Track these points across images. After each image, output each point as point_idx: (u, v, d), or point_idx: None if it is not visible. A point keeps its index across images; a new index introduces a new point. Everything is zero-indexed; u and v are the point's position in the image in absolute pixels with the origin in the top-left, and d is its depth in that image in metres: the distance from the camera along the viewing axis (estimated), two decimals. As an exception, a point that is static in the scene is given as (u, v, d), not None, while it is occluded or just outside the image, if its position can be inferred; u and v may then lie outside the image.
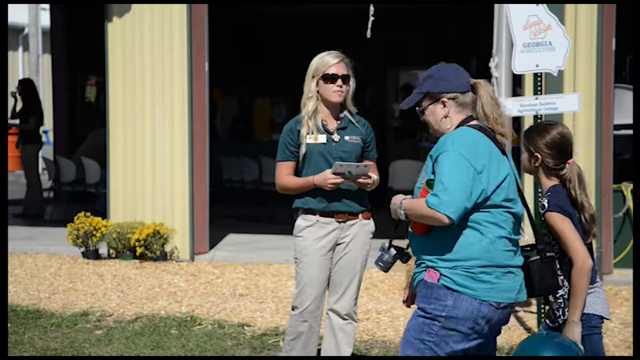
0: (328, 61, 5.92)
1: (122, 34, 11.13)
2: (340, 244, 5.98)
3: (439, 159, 4.21)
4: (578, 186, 4.69)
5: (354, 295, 6.05)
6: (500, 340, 7.54)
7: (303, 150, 5.91)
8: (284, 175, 5.97)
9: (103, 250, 11.00)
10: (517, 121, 9.97)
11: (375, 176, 5.92)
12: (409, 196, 4.45)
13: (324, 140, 5.90)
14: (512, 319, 8.19)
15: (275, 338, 7.60)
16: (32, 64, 25.65)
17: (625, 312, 8.48)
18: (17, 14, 25.22)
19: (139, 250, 10.62)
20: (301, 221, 5.97)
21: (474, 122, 4.34)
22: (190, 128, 10.91)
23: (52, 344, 7.42)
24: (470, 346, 4.21)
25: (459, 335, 4.17)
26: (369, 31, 9.81)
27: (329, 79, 5.89)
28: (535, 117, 7.42)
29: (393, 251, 4.64)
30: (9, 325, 7.79)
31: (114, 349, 7.30)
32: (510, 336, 7.64)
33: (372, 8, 9.85)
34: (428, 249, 4.28)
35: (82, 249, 10.90)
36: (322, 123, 5.94)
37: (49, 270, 10.33)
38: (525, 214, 4.48)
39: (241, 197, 15.39)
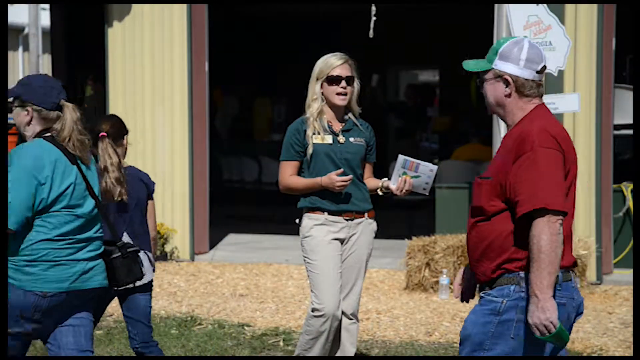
0: (332, 63, 5.95)
1: (122, 34, 11.13)
2: (347, 242, 5.99)
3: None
4: (101, 154, 5.42)
5: (359, 294, 6.06)
6: (500, 340, 7.54)
7: (310, 150, 5.93)
8: (289, 175, 5.98)
9: (103, 250, 11.00)
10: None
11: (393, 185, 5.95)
12: None
13: (330, 141, 5.93)
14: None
15: (276, 338, 7.60)
16: (32, 64, 25.61)
17: (625, 312, 8.48)
18: (17, 14, 25.19)
19: (139, 250, 10.61)
20: (308, 221, 5.96)
21: (48, 134, 4.77)
22: (191, 128, 10.91)
23: (52, 344, 7.42)
24: (33, 331, 4.71)
25: (20, 320, 4.67)
26: (371, 31, 9.80)
27: (333, 80, 5.92)
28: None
29: None
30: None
31: (114, 349, 7.31)
32: (510, 336, 7.64)
33: (373, 8, 9.85)
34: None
35: (82, 249, 10.89)
36: (327, 124, 5.96)
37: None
38: None
39: (241, 197, 15.40)
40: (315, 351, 5.95)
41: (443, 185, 11.43)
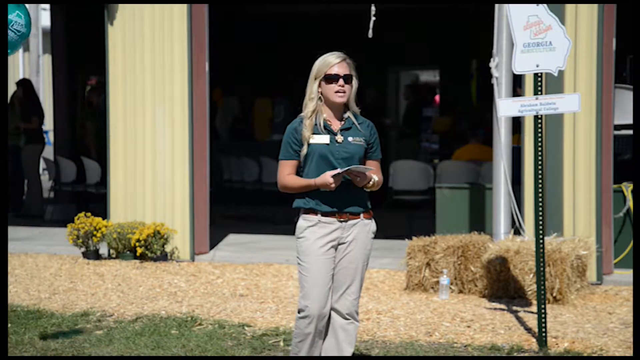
0: (330, 61, 5.94)
1: (122, 34, 11.13)
2: (342, 243, 5.98)
3: None
4: None
5: (356, 294, 6.05)
6: (501, 340, 7.54)
7: (305, 150, 5.91)
8: (286, 174, 5.97)
9: (103, 250, 11.00)
10: (517, 121, 9.97)
11: (375, 177, 5.92)
12: None
13: (327, 141, 5.91)
14: (513, 319, 8.19)
15: (276, 338, 7.60)
16: (32, 64, 25.66)
17: (625, 312, 8.48)
18: (17, 14, 25.18)
19: (139, 251, 10.62)
20: (302, 222, 5.96)
21: None
22: (191, 128, 10.91)
23: (53, 344, 7.42)
24: None
25: None
26: (370, 31, 9.80)
27: (331, 79, 5.91)
28: (536, 117, 7.42)
29: None
30: (9, 325, 7.79)
31: (114, 349, 7.31)
32: (510, 336, 7.64)
33: (373, 8, 9.85)
34: None
35: (83, 249, 10.90)
36: (325, 123, 5.95)
37: (49, 270, 10.34)
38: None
39: (241, 197, 15.40)
40: (303, 354, 5.98)
41: (443, 186, 11.43)
